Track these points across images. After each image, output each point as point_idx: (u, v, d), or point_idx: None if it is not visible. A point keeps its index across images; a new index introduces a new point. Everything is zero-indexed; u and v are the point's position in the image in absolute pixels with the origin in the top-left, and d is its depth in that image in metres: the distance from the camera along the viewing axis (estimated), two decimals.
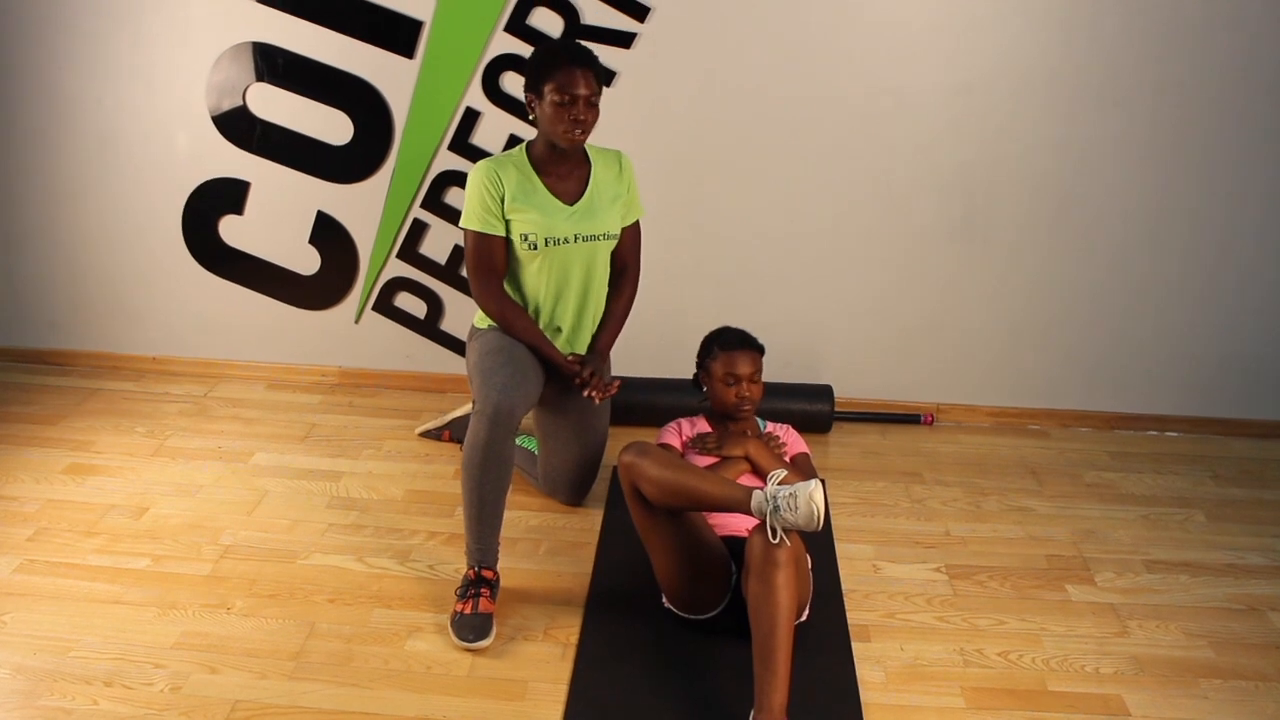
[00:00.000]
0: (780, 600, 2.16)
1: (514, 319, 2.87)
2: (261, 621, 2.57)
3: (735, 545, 2.51)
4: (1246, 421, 3.73)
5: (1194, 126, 3.41)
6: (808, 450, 2.86)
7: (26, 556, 2.79)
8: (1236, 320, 3.63)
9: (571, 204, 2.84)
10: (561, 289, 2.89)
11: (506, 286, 2.90)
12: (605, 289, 2.99)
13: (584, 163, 2.88)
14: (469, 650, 2.49)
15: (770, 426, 2.90)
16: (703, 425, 2.88)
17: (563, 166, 2.83)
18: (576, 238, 2.83)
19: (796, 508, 2.17)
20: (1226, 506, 3.26)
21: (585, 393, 2.85)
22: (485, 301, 2.88)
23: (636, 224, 3.01)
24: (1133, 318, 3.65)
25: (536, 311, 2.92)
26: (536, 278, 2.87)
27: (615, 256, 2.98)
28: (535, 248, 2.80)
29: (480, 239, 2.82)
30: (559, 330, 2.94)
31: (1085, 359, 3.72)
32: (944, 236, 3.60)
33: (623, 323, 3.04)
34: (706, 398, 2.89)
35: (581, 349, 2.99)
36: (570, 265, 2.86)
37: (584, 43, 3.37)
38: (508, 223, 2.80)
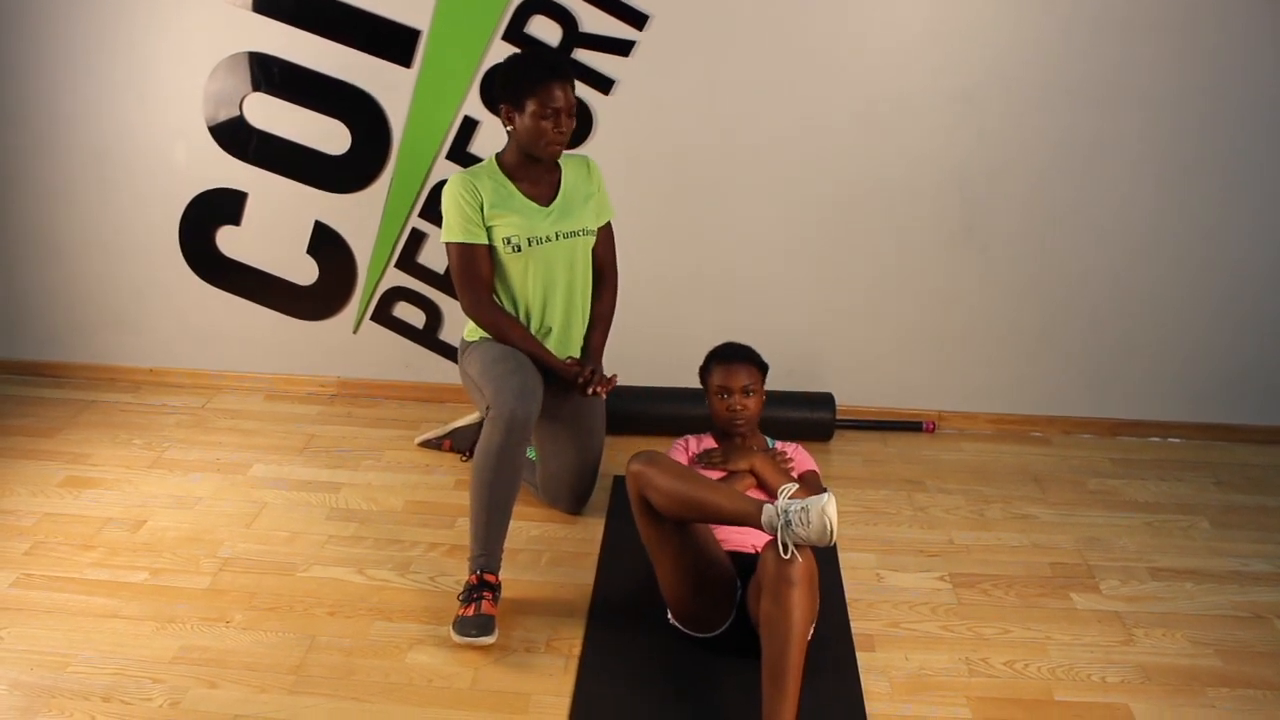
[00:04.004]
0: (794, 620, 2.12)
1: (508, 328, 2.88)
2: (261, 635, 2.55)
3: (740, 561, 2.49)
4: (1250, 427, 3.72)
5: (1195, 130, 3.40)
6: (816, 468, 2.84)
7: (23, 570, 2.77)
8: (1240, 325, 3.62)
9: (547, 205, 2.86)
10: (549, 288, 2.91)
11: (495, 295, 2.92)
12: (589, 285, 3.02)
13: (554, 168, 2.91)
14: (472, 646, 2.49)
15: (779, 445, 2.88)
16: (709, 442, 2.87)
17: (534, 172, 2.86)
18: (557, 235, 2.85)
19: (809, 522, 2.12)
20: (1231, 513, 3.25)
21: (589, 390, 2.86)
22: (477, 313, 2.89)
23: (609, 225, 3.04)
24: (1135, 323, 3.64)
25: (527, 314, 2.93)
26: (523, 280, 2.88)
27: (593, 260, 3.01)
28: (519, 249, 2.82)
29: (464, 250, 2.82)
30: (549, 330, 2.95)
31: (1087, 365, 3.71)
32: (944, 243, 3.59)
33: (609, 323, 3.06)
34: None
35: (572, 346, 3.00)
36: (555, 263, 2.88)
37: (582, 51, 3.39)
38: (489, 230, 2.81)
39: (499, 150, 2.90)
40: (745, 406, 2.77)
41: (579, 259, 2.94)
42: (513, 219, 2.81)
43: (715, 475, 2.70)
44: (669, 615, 2.57)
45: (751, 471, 2.71)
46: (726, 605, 2.45)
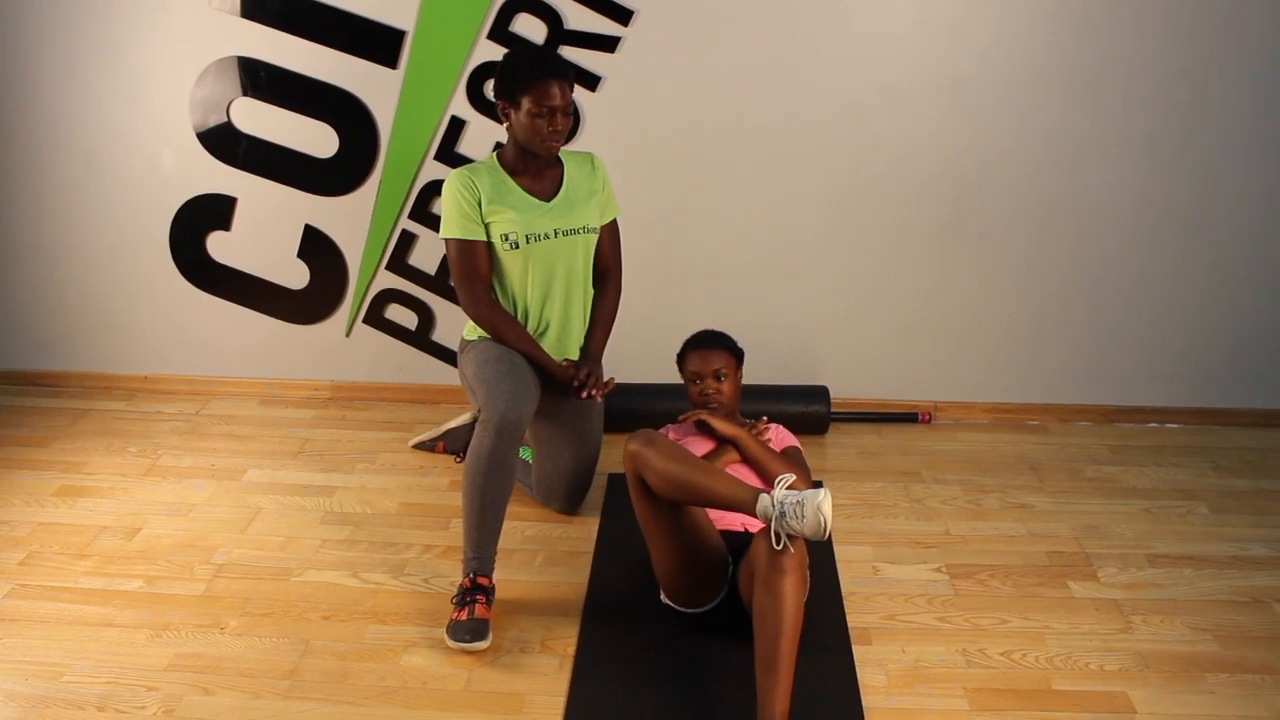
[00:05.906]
0: (786, 609, 2.12)
1: (505, 327, 2.87)
2: (255, 641, 2.54)
3: (731, 540, 2.52)
4: (1247, 411, 3.71)
5: (1187, 118, 3.38)
6: (798, 444, 2.87)
7: (18, 581, 2.76)
8: (1235, 310, 3.60)
9: (548, 201, 2.85)
10: (548, 287, 2.90)
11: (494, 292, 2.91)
12: (590, 284, 3.00)
13: (556, 163, 2.90)
14: (466, 651, 2.48)
15: (758, 423, 2.89)
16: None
17: (535, 167, 2.85)
18: (556, 232, 2.84)
19: (803, 516, 2.12)
20: (1229, 498, 3.24)
21: (584, 393, 2.84)
22: (475, 310, 2.88)
23: (614, 223, 3.01)
24: (1130, 309, 3.63)
25: (525, 313, 2.92)
26: (522, 277, 2.88)
27: (596, 258, 2.99)
28: (516, 246, 2.81)
29: (462, 246, 2.82)
30: (546, 326, 2.94)
31: (1083, 352, 3.70)
32: (937, 233, 3.57)
33: (611, 324, 3.04)
34: None
35: (571, 345, 2.98)
36: (554, 261, 2.87)
37: (568, 48, 3.37)
38: (487, 226, 2.81)
39: (499, 147, 2.90)
40: (719, 391, 2.79)
41: (579, 257, 2.92)
42: (510, 215, 2.80)
43: (702, 445, 2.74)
44: (661, 595, 2.59)
45: (736, 444, 2.72)
46: (719, 582, 2.48)
